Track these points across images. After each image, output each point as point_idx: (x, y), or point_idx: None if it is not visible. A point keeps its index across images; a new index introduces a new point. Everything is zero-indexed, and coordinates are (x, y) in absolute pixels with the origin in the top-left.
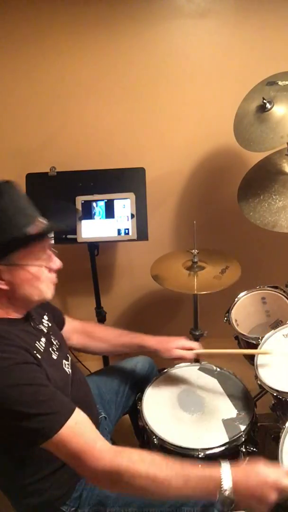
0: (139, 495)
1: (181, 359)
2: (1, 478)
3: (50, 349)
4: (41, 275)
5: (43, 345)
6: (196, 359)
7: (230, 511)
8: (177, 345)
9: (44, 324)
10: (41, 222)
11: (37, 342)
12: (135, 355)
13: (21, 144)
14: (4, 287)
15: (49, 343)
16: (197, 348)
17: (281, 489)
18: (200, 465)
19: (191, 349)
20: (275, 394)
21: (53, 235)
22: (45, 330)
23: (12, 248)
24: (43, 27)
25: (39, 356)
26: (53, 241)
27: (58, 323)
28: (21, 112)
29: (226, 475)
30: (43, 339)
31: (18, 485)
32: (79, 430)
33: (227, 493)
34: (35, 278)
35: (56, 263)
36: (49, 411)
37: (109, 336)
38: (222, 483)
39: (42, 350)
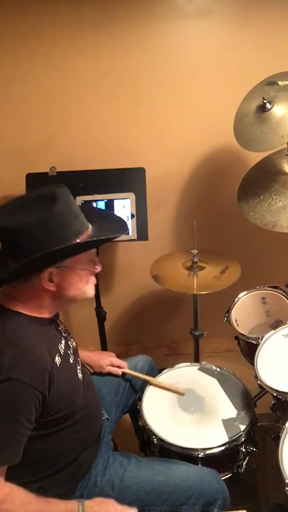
0: None
1: (111, 375)
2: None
3: (69, 351)
4: (88, 278)
5: (63, 348)
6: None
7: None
8: (108, 362)
9: (61, 326)
10: (91, 229)
11: (59, 344)
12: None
13: (21, 144)
14: (53, 289)
15: (67, 346)
16: (124, 367)
17: None
18: (62, 502)
19: (119, 367)
20: (275, 394)
21: None
22: (63, 333)
23: (68, 254)
24: (43, 27)
25: (60, 360)
26: None
27: None
28: (21, 112)
29: (82, 507)
30: (63, 341)
31: (21, 484)
32: None
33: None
34: (83, 280)
35: (99, 267)
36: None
37: None
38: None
39: (62, 353)
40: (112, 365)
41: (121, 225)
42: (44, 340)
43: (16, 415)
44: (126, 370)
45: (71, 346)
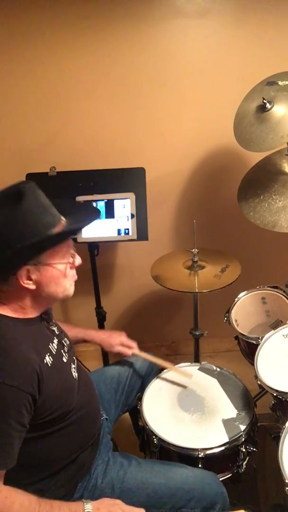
0: None
1: (121, 355)
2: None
3: (62, 350)
4: (66, 273)
5: (56, 347)
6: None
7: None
8: (118, 341)
9: (54, 325)
10: (64, 221)
11: (50, 343)
12: None
13: (21, 144)
14: (32, 287)
15: (61, 345)
16: (134, 347)
17: None
18: (67, 505)
19: (129, 347)
20: (275, 394)
21: None
22: (56, 332)
23: (42, 249)
24: (43, 27)
25: (51, 360)
26: None
27: None
28: (21, 112)
29: (89, 509)
30: (55, 341)
31: (19, 486)
32: None
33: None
34: (62, 276)
35: (78, 259)
36: None
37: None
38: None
39: (54, 353)
40: (122, 345)
41: (92, 213)
42: (31, 341)
43: (7, 419)
44: (137, 351)
45: (65, 344)
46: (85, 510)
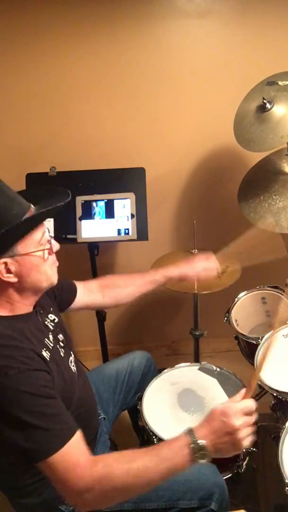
0: (128, 495)
1: (205, 275)
2: (1, 478)
3: (57, 345)
4: (46, 258)
5: (52, 342)
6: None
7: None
8: (200, 268)
9: (50, 319)
10: (34, 208)
11: (46, 339)
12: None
13: (21, 144)
14: (14, 279)
15: (56, 340)
16: (216, 267)
17: (242, 411)
18: (167, 440)
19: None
20: (275, 394)
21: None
22: (51, 327)
23: (14, 238)
24: (43, 27)
25: (49, 355)
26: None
27: (70, 293)
28: (21, 112)
29: (191, 434)
30: (50, 336)
31: (17, 485)
32: (74, 450)
33: (199, 444)
34: (41, 262)
35: (55, 245)
36: (54, 427)
37: (131, 279)
38: (191, 443)
39: (51, 347)
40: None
41: (60, 194)
42: (27, 336)
43: (43, 393)
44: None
45: (60, 339)
46: (189, 438)
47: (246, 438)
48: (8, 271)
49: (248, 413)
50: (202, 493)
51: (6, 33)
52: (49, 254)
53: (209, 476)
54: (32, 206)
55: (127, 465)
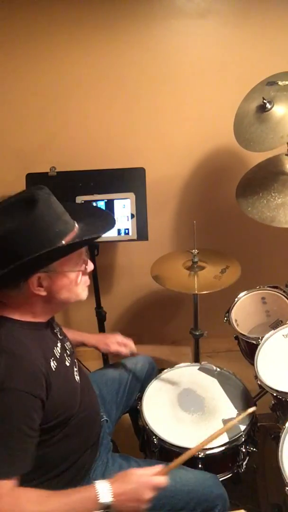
0: None
1: (118, 354)
2: None
3: (64, 354)
4: (78, 280)
5: (59, 351)
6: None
7: None
8: (113, 340)
9: (57, 328)
10: (77, 228)
11: (55, 347)
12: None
13: (21, 144)
14: (43, 293)
15: (63, 349)
16: (131, 344)
17: (153, 486)
18: (79, 488)
19: (125, 345)
20: (275, 394)
21: None
22: (59, 335)
23: (55, 257)
24: (43, 27)
25: (55, 364)
26: None
27: None
28: (21, 112)
29: (103, 489)
30: (59, 344)
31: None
32: (6, 485)
33: (106, 503)
34: (73, 283)
35: (90, 266)
36: (4, 457)
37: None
38: (99, 496)
39: (58, 357)
40: (118, 344)
41: (108, 222)
42: (39, 345)
43: (19, 425)
44: (133, 349)
45: (67, 348)
46: (100, 489)
47: (146, 504)
48: (40, 284)
49: (158, 489)
50: (205, 504)
51: (6, 33)
52: (83, 275)
53: (212, 488)
54: (76, 225)
55: (38, 507)
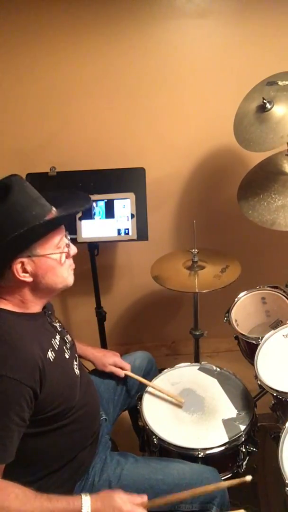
0: None
1: (113, 374)
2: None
3: (64, 347)
4: (62, 262)
5: (58, 343)
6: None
7: None
8: (111, 361)
9: (56, 321)
10: (55, 211)
11: (53, 339)
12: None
13: (21, 144)
14: (29, 279)
15: (63, 341)
16: (127, 369)
17: None
18: (65, 499)
19: (122, 368)
20: (275, 394)
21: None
22: (58, 328)
23: (32, 239)
24: (42, 27)
25: (54, 355)
26: None
27: None
28: (21, 112)
29: (87, 509)
30: (57, 337)
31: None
32: None
33: None
34: (57, 265)
35: (73, 249)
36: None
37: None
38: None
39: (56, 348)
40: (115, 365)
41: (83, 201)
42: (34, 335)
43: (7, 412)
44: (129, 373)
45: (67, 341)
46: (83, 504)
47: None
48: (24, 270)
49: None
50: (203, 497)
51: (6, 33)
52: (66, 257)
53: (211, 481)
54: (53, 208)
55: (22, 505)
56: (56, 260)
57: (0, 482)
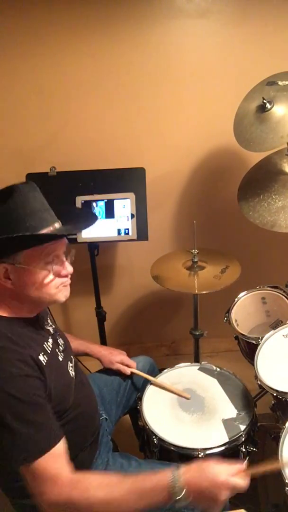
0: None
1: (119, 372)
2: (1, 478)
3: (57, 350)
4: (46, 280)
5: (50, 346)
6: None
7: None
8: (118, 359)
9: (49, 324)
10: (57, 227)
11: (45, 343)
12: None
13: (21, 144)
14: (10, 286)
15: (55, 344)
16: (133, 367)
17: (231, 487)
18: (152, 476)
19: (129, 366)
20: (275, 394)
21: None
22: (51, 331)
23: (16, 247)
24: (42, 27)
25: (46, 359)
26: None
27: None
28: (21, 112)
29: (175, 480)
30: (50, 340)
31: (18, 485)
32: (54, 461)
33: (180, 497)
34: (40, 282)
35: (67, 269)
36: (35, 434)
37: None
38: (171, 489)
39: (49, 352)
40: (122, 363)
41: (89, 222)
42: (26, 341)
43: (33, 400)
44: (135, 370)
45: (60, 343)
46: (173, 477)
47: (219, 504)
48: (7, 276)
49: (233, 490)
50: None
51: (6, 33)
52: (57, 276)
53: None
54: (56, 224)
55: (106, 494)
56: (40, 276)
57: (72, 476)
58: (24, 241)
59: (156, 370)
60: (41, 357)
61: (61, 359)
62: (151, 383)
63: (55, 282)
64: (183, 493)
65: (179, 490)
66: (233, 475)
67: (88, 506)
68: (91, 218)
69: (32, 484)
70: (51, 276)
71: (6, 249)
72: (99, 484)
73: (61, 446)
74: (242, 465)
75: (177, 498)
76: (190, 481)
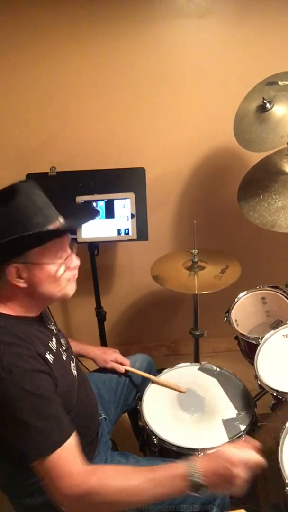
0: (116, 509)
1: (114, 370)
2: (1, 478)
3: (60, 349)
4: (59, 273)
5: (55, 345)
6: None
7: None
8: (112, 358)
9: (52, 323)
10: (61, 222)
11: (50, 342)
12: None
13: (21, 144)
14: (23, 285)
15: (59, 344)
16: (127, 365)
17: (249, 465)
18: (167, 466)
19: (122, 364)
20: (275, 394)
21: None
22: (54, 330)
23: (27, 245)
24: (43, 27)
25: (52, 357)
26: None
27: None
28: (21, 112)
29: (192, 467)
30: (54, 339)
31: (18, 485)
32: (68, 455)
33: (196, 481)
34: (53, 276)
35: (75, 261)
36: (49, 428)
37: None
38: (189, 476)
39: (54, 351)
40: (116, 362)
41: (91, 215)
42: (33, 339)
43: (46, 395)
44: (129, 368)
45: (62, 343)
46: (189, 464)
47: (240, 484)
48: (19, 276)
49: (252, 467)
50: (204, 498)
51: (5, 33)
52: (66, 269)
53: None
54: (60, 219)
55: (124, 482)
56: (53, 270)
57: (86, 467)
58: (36, 238)
59: (153, 368)
60: (48, 356)
61: (64, 358)
62: (152, 382)
63: (66, 275)
64: (202, 480)
65: (197, 477)
66: (249, 453)
67: (106, 495)
68: (92, 211)
69: (47, 479)
70: (62, 269)
71: (18, 248)
72: (115, 472)
73: (73, 440)
74: (255, 442)
75: (198, 484)
76: (207, 467)
